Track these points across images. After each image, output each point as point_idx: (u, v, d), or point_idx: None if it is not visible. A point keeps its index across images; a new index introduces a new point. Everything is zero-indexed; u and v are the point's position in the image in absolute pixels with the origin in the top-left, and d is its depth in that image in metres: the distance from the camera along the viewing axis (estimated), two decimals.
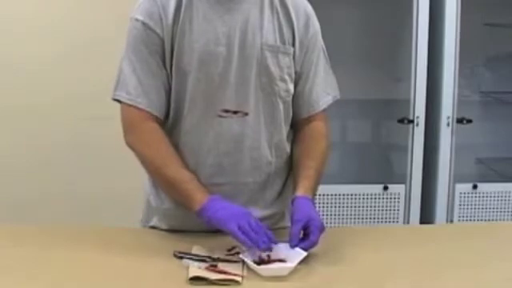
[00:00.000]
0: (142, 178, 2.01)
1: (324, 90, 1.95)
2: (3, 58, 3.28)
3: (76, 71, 3.31)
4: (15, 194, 3.31)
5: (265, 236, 1.69)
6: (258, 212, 1.87)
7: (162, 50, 1.81)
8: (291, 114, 1.94)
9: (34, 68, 3.30)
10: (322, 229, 1.74)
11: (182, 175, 1.81)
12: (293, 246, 1.70)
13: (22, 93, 3.31)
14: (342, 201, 3.30)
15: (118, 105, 1.87)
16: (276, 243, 1.71)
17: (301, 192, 1.82)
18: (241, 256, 1.67)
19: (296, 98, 1.93)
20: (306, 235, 1.73)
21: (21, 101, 3.30)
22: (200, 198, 1.76)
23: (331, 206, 3.28)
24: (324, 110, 1.97)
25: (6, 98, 3.31)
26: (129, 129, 1.86)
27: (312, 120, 1.96)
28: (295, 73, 1.90)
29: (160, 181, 1.89)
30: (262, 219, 1.85)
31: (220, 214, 1.73)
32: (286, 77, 1.87)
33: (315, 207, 1.83)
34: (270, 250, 1.69)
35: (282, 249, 1.70)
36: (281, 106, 1.88)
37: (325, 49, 1.96)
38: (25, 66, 3.29)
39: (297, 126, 1.98)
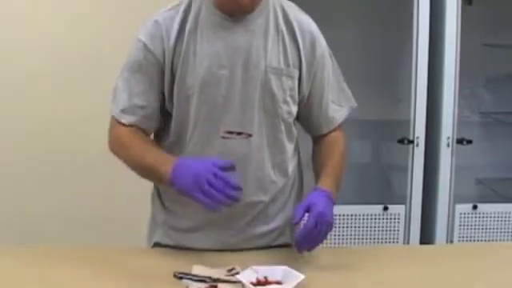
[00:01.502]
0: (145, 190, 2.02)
1: (339, 105, 1.99)
2: (3, 58, 3.27)
3: (76, 72, 3.29)
4: (22, 212, 3.29)
5: (228, 188, 1.68)
6: (259, 228, 1.91)
7: (158, 72, 1.82)
8: (295, 133, 1.96)
9: (34, 68, 3.27)
10: (321, 218, 1.75)
11: (145, 151, 1.82)
12: (294, 224, 1.76)
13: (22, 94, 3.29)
14: (342, 221, 3.28)
15: None
16: (241, 189, 1.71)
17: (316, 186, 1.86)
18: (238, 277, 1.66)
19: (314, 117, 1.97)
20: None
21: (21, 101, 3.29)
22: (164, 171, 1.76)
23: None
24: (340, 125, 2.01)
25: (6, 98, 3.29)
26: (110, 138, 1.89)
27: (330, 132, 2.01)
28: (300, 94, 1.90)
29: (139, 174, 1.87)
30: (263, 235, 1.90)
31: (182, 182, 1.72)
32: (289, 99, 1.87)
33: (330, 200, 1.83)
34: (238, 200, 1.70)
35: (279, 271, 1.69)
36: (283, 127, 1.90)
37: (335, 61, 1.98)
38: (25, 66, 3.27)
39: (316, 140, 2.03)
